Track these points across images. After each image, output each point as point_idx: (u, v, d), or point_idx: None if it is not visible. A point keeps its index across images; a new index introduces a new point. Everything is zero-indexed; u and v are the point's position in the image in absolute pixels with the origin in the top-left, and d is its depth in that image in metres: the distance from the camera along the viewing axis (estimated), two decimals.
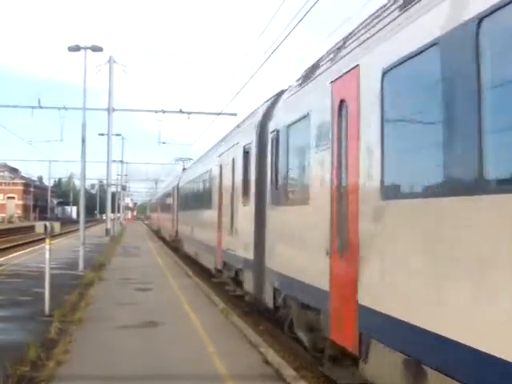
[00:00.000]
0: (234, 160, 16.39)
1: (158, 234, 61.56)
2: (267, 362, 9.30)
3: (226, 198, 17.64)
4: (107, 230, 42.83)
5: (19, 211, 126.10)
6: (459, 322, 5.21)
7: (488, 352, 4.75)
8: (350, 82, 7.82)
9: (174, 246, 38.97)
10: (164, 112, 39.25)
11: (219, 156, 19.51)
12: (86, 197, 27.47)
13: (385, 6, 7.55)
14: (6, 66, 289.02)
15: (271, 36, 17.61)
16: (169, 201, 46.54)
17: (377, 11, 7.87)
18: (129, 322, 12.25)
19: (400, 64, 6.37)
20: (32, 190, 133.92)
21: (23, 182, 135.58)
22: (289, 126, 10.86)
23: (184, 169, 47.60)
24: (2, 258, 27.59)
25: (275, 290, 11.61)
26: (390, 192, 6.64)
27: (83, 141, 24.15)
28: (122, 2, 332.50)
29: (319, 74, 9.56)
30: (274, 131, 11.95)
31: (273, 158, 11.99)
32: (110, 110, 38.98)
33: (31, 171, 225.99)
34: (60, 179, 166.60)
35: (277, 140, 11.63)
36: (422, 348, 5.80)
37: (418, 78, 6.29)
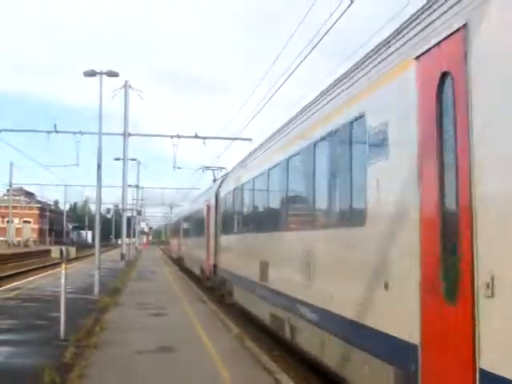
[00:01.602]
0: None
1: (179, 263, 49.19)
2: None
3: None
4: (122, 255, 42.91)
5: (35, 235, 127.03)
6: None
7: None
8: None
9: (210, 285, 26.83)
10: (179, 137, 39.26)
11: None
12: (102, 221, 27.57)
13: None
14: (22, 91, 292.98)
15: (286, 61, 17.63)
16: (198, 220, 35.37)
17: None
18: (144, 347, 12.24)
19: None
20: (48, 214, 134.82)
21: (39, 206, 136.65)
22: None
23: (215, 180, 34.90)
24: (19, 282, 27.76)
25: None
26: None
27: (99, 166, 24.39)
28: (138, 28, 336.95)
29: None
30: None
31: None
32: (125, 134, 39.27)
33: (47, 195, 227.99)
34: (75, 203, 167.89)
35: None
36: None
37: None
